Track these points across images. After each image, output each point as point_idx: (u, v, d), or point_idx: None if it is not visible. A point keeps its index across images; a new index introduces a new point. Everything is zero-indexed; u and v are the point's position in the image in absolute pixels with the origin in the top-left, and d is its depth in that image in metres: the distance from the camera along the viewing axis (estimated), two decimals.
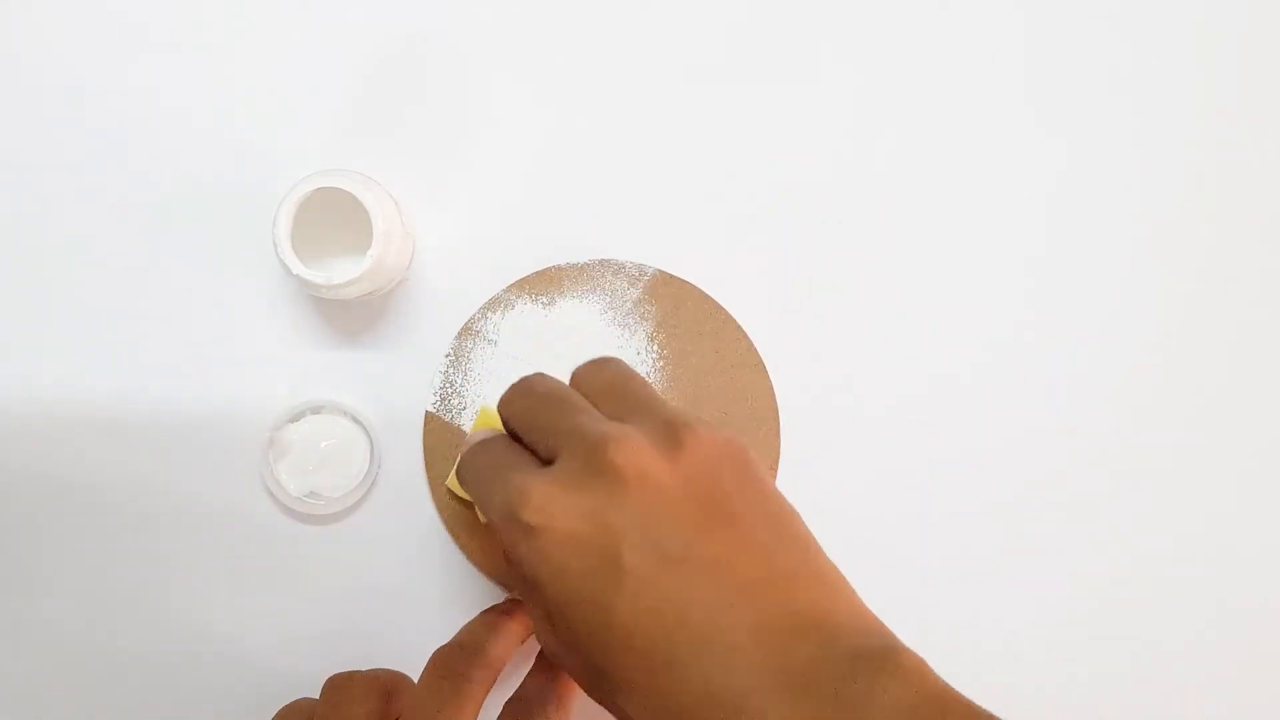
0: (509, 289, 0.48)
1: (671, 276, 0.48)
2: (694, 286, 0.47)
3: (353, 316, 0.48)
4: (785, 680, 0.31)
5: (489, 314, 0.48)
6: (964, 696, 0.31)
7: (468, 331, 0.48)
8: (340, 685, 0.40)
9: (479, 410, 0.45)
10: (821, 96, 0.49)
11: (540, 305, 0.48)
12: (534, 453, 0.36)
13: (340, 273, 0.42)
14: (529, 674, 0.43)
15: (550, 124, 0.49)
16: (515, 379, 0.38)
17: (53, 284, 0.48)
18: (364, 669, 0.41)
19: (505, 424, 0.38)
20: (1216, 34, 0.49)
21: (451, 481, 0.46)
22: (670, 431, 0.34)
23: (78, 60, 0.48)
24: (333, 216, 0.43)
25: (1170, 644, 0.47)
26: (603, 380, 0.38)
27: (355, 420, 0.47)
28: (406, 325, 0.48)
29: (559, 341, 0.47)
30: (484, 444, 0.38)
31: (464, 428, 0.47)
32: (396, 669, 0.41)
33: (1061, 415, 0.48)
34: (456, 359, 0.47)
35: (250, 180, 0.48)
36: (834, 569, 0.35)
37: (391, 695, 0.40)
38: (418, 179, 0.48)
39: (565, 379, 0.37)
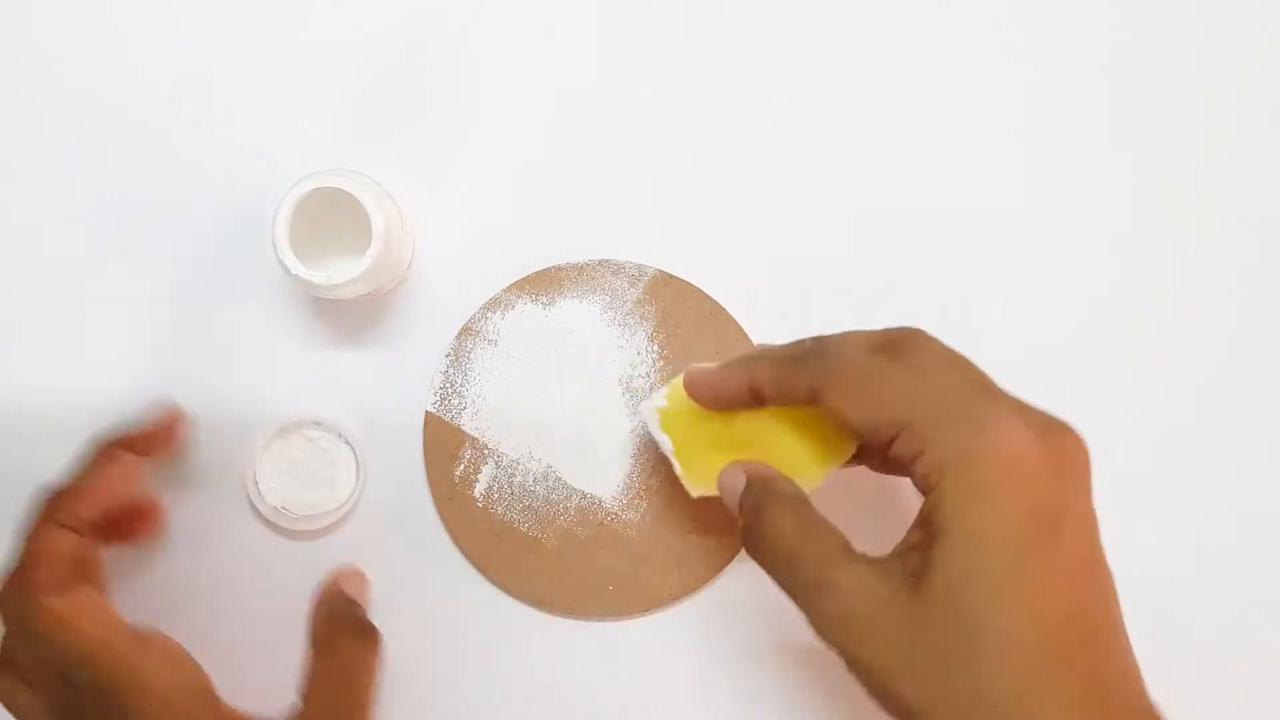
0: (509, 289, 0.48)
1: (671, 276, 0.48)
2: (694, 286, 0.47)
3: (352, 316, 0.48)
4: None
5: (489, 314, 0.48)
6: None
7: (468, 331, 0.48)
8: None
9: (669, 385, 0.42)
10: (822, 96, 0.49)
11: (540, 305, 0.48)
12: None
13: (340, 273, 0.42)
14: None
15: (550, 124, 0.49)
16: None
17: (51, 283, 0.48)
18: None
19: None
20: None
21: (663, 419, 0.42)
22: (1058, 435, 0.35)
23: (77, 60, 0.48)
24: (333, 216, 0.43)
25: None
26: (938, 357, 0.37)
27: (345, 440, 0.47)
28: (406, 325, 0.48)
29: (559, 341, 0.47)
30: (795, 511, 0.37)
31: (464, 428, 0.47)
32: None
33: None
34: (456, 359, 0.47)
35: (250, 180, 0.48)
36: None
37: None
38: (418, 179, 0.48)
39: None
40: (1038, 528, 0.32)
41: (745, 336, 0.47)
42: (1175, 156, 0.49)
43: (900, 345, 0.36)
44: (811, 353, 0.37)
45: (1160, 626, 0.47)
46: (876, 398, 0.35)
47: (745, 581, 0.47)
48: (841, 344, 0.37)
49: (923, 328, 0.37)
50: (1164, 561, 0.47)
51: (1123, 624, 0.34)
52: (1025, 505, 0.32)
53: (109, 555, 0.43)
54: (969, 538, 0.32)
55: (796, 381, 0.37)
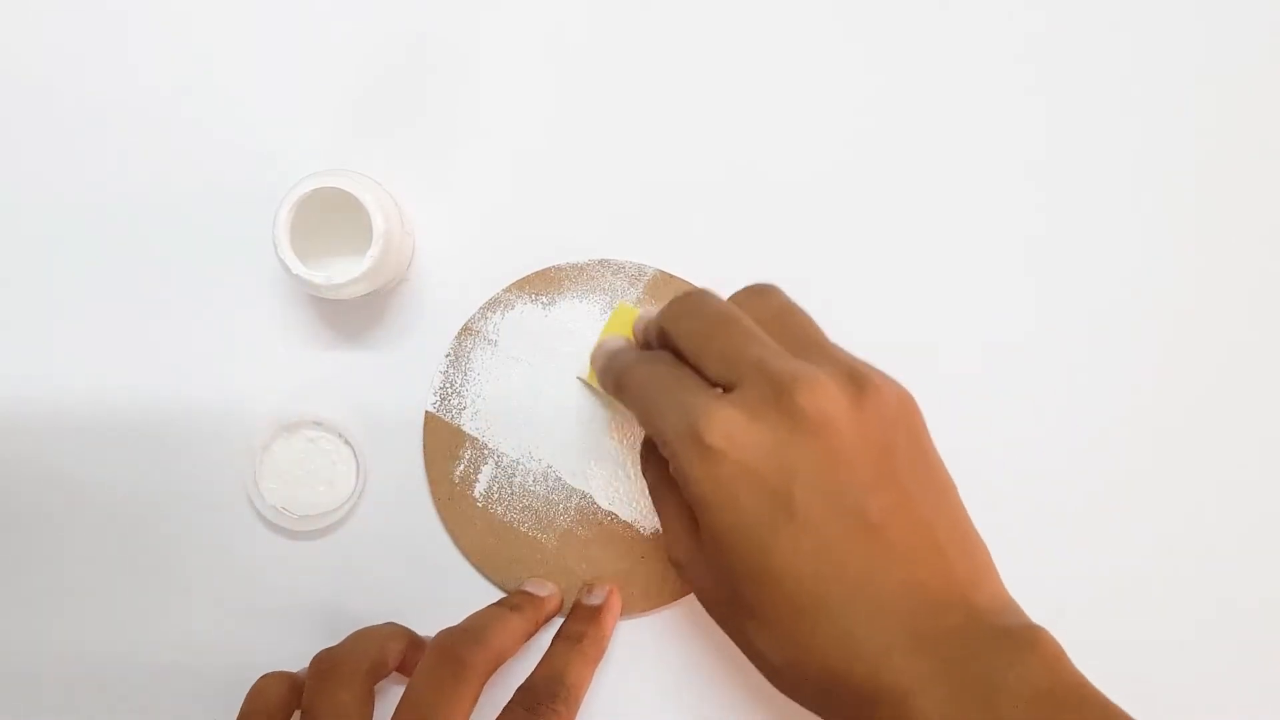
0: (509, 289, 0.48)
1: (671, 276, 0.48)
2: (694, 286, 0.47)
3: (352, 316, 0.48)
4: (928, 645, 0.32)
5: (489, 314, 0.48)
6: (1098, 690, 0.31)
7: (468, 331, 0.48)
8: (327, 667, 0.40)
9: (616, 306, 0.44)
10: (822, 95, 0.49)
11: (540, 305, 0.48)
12: (702, 375, 0.36)
13: (340, 273, 0.42)
14: (539, 665, 0.43)
15: (550, 124, 0.49)
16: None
17: (49, 282, 0.48)
18: (353, 632, 0.42)
19: (668, 339, 0.37)
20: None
21: (589, 378, 0.44)
22: (856, 381, 0.34)
23: (77, 60, 0.48)
24: (333, 216, 0.43)
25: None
26: (770, 310, 0.37)
27: (345, 440, 0.47)
28: (406, 325, 0.48)
29: (559, 341, 0.47)
30: (651, 358, 0.38)
31: (464, 428, 0.47)
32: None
33: (1066, 415, 0.48)
34: (456, 359, 0.47)
35: (250, 180, 0.48)
36: (984, 547, 0.35)
37: (381, 665, 0.41)
38: (418, 179, 0.48)
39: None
40: (766, 507, 0.33)
41: None
42: (1175, 156, 0.49)
43: (744, 298, 0.38)
44: (673, 307, 0.38)
45: (1161, 624, 0.48)
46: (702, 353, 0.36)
47: None
48: (701, 296, 0.38)
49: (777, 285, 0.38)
50: (1163, 560, 0.47)
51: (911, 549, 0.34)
52: (746, 486, 0.33)
53: None
54: (707, 525, 0.34)
55: (665, 336, 0.38)
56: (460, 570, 0.47)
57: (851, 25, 0.49)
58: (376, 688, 0.41)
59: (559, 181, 0.48)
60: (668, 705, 0.47)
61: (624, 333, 0.43)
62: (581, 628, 0.45)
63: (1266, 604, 0.48)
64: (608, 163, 0.49)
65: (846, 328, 0.38)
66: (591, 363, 0.42)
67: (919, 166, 0.48)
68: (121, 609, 0.47)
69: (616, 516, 0.47)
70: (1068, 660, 0.32)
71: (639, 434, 0.47)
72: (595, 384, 0.44)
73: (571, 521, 0.47)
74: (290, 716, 0.41)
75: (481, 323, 0.48)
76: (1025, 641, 0.32)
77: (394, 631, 0.43)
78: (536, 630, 0.45)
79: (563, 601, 0.46)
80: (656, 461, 0.39)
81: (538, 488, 0.47)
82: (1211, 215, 0.49)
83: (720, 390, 0.35)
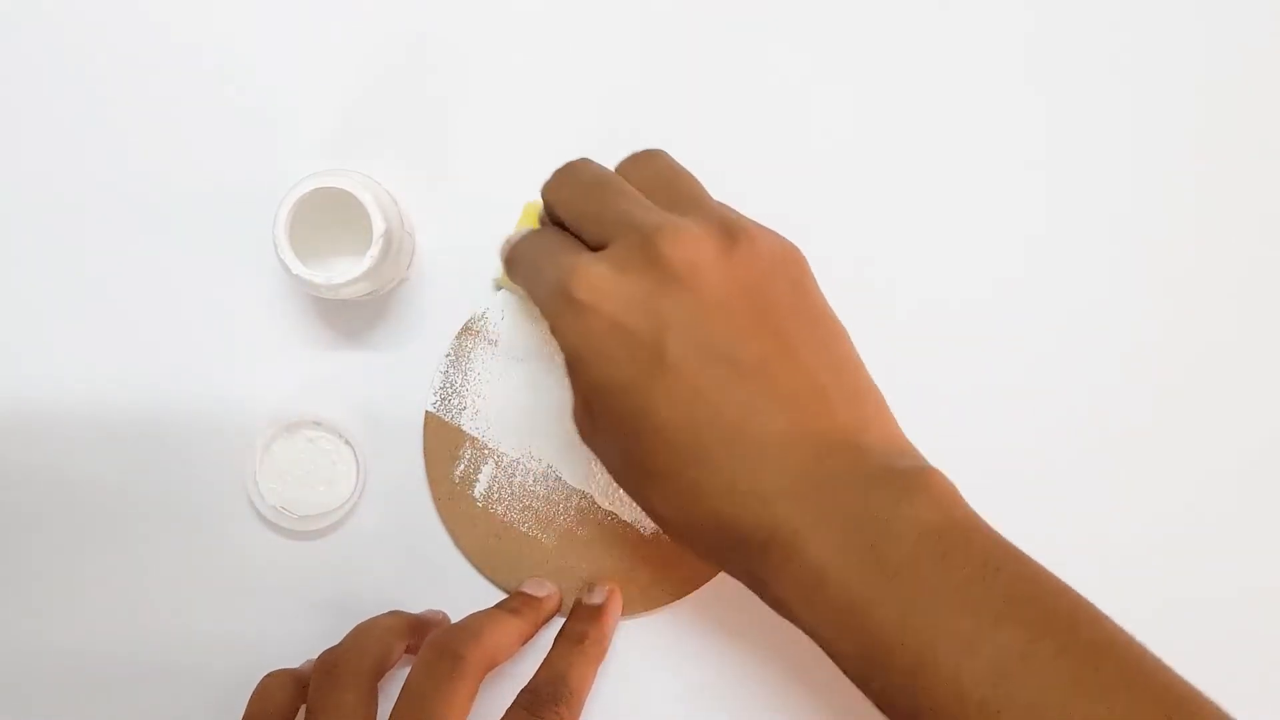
0: (509, 289, 0.48)
1: None
2: None
3: (352, 316, 0.48)
4: (813, 488, 0.32)
5: (489, 314, 0.48)
6: (990, 527, 0.31)
7: (468, 331, 0.48)
8: (330, 668, 0.40)
9: (524, 205, 0.44)
10: (822, 94, 0.49)
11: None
12: (583, 241, 0.36)
13: (340, 273, 0.42)
14: (541, 667, 0.43)
15: (550, 124, 0.49)
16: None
17: (49, 282, 0.48)
18: (353, 628, 0.42)
19: (550, 211, 0.38)
20: None
21: (501, 277, 0.44)
22: (728, 231, 0.34)
23: (76, 60, 0.48)
24: (333, 216, 0.43)
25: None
26: (651, 171, 0.38)
27: (345, 440, 0.47)
28: (406, 325, 0.48)
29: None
30: (535, 232, 0.38)
31: (464, 428, 0.47)
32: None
33: (1065, 417, 0.48)
34: (456, 359, 0.47)
35: (250, 180, 0.48)
36: (875, 390, 0.35)
37: (383, 663, 0.41)
38: (418, 179, 0.48)
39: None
40: (637, 359, 0.33)
41: None
42: (1174, 155, 0.49)
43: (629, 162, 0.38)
44: (553, 178, 0.39)
45: (1162, 620, 0.48)
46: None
47: None
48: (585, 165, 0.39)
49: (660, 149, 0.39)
50: (1160, 558, 0.47)
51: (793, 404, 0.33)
52: (616, 339, 0.33)
53: None
54: (584, 381, 0.35)
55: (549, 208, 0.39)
56: (460, 570, 0.47)
57: (851, 23, 0.49)
58: (380, 683, 0.41)
59: None
60: (668, 705, 0.47)
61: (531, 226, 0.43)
62: (583, 627, 0.45)
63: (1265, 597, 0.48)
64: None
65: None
66: (499, 255, 0.42)
67: (919, 169, 0.48)
68: (121, 609, 0.47)
69: (616, 516, 0.47)
70: (960, 499, 0.32)
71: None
72: (505, 285, 0.45)
73: (571, 521, 0.47)
74: (295, 715, 0.41)
75: (481, 323, 0.48)
76: (913, 483, 0.32)
77: (396, 625, 0.43)
78: (535, 632, 0.45)
79: (562, 601, 0.46)
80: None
81: (538, 488, 0.47)
82: (1210, 219, 0.49)
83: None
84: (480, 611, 0.44)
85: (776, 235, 0.35)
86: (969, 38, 0.49)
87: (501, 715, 0.41)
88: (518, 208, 0.45)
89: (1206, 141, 0.49)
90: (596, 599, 0.45)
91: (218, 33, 0.48)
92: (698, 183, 0.37)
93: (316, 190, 0.41)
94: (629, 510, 0.47)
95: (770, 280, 0.34)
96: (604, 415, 0.34)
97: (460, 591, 0.47)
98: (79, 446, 0.48)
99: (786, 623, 0.35)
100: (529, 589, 0.46)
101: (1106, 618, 0.31)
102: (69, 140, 0.48)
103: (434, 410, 0.47)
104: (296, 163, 0.47)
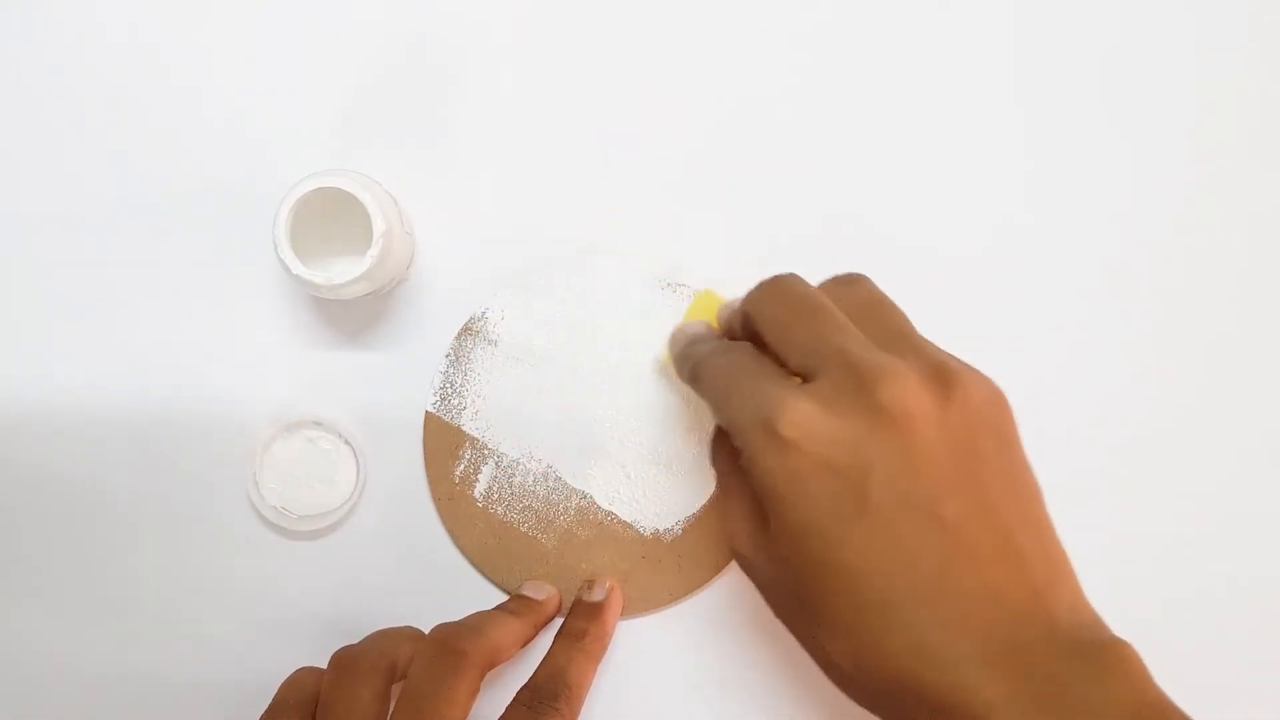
0: (509, 288, 0.48)
1: (678, 285, 0.48)
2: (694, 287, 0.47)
3: (352, 316, 0.48)
4: (1006, 657, 0.31)
5: (489, 314, 0.48)
6: (1180, 708, 0.30)
7: (468, 331, 0.48)
8: (346, 664, 0.40)
9: (697, 293, 0.42)
10: (822, 93, 0.49)
11: (541, 305, 0.47)
12: (782, 362, 0.35)
13: (340, 273, 0.42)
14: (541, 664, 0.43)
15: (550, 124, 0.49)
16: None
17: (50, 283, 0.48)
18: (372, 632, 0.42)
19: (750, 324, 0.37)
20: None
21: (665, 362, 0.43)
22: (942, 377, 0.33)
23: (77, 60, 0.48)
24: (333, 216, 0.43)
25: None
26: (858, 299, 0.36)
27: (345, 440, 0.47)
28: (406, 325, 0.48)
29: (559, 341, 0.47)
30: (733, 349, 0.37)
31: (464, 428, 0.47)
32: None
33: (1064, 418, 0.48)
34: (456, 359, 0.47)
35: (250, 180, 0.48)
36: (1064, 556, 0.34)
37: (398, 665, 0.41)
38: (418, 179, 0.48)
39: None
40: (838, 502, 0.32)
41: None
42: (1171, 155, 0.49)
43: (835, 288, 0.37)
44: (759, 291, 0.38)
45: (1163, 619, 0.48)
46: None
47: (745, 582, 0.46)
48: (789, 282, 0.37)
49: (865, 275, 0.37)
50: (1163, 557, 0.47)
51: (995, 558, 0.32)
52: (818, 480, 0.32)
53: None
54: (776, 518, 0.33)
55: (748, 321, 0.37)
56: (460, 570, 0.47)
57: (851, 21, 0.49)
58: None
59: (559, 181, 0.48)
60: (667, 706, 0.47)
61: (704, 318, 0.42)
62: (583, 625, 0.45)
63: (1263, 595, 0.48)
64: (608, 162, 0.48)
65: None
66: (669, 347, 0.41)
67: (920, 170, 0.48)
68: (121, 608, 0.47)
69: (616, 516, 0.47)
70: (1151, 678, 0.31)
71: (691, 434, 0.47)
72: (670, 371, 0.43)
73: (571, 521, 0.47)
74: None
75: (481, 323, 0.48)
76: (1108, 659, 0.31)
77: (413, 634, 0.42)
78: (535, 634, 0.45)
79: (561, 603, 0.46)
80: (727, 452, 0.38)
81: (538, 488, 0.47)
82: (1206, 218, 0.49)
83: (800, 381, 0.34)
84: (481, 611, 0.44)
85: (988, 382, 0.34)
86: (967, 38, 0.49)
87: (501, 714, 0.41)
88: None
89: (1206, 141, 0.49)
90: (597, 596, 0.45)
91: (218, 33, 0.48)
92: (904, 315, 0.36)
93: (316, 190, 0.41)
94: (629, 510, 0.47)
95: (980, 434, 0.33)
96: (790, 550, 0.33)
97: (460, 591, 0.47)
98: (79, 446, 0.48)
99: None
100: (529, 592, 0.46)
101: None
102: (69, 141, 0.48)
103: (434, 410, 0.47)
104: (296, 163, 0.47)
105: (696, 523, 0.46)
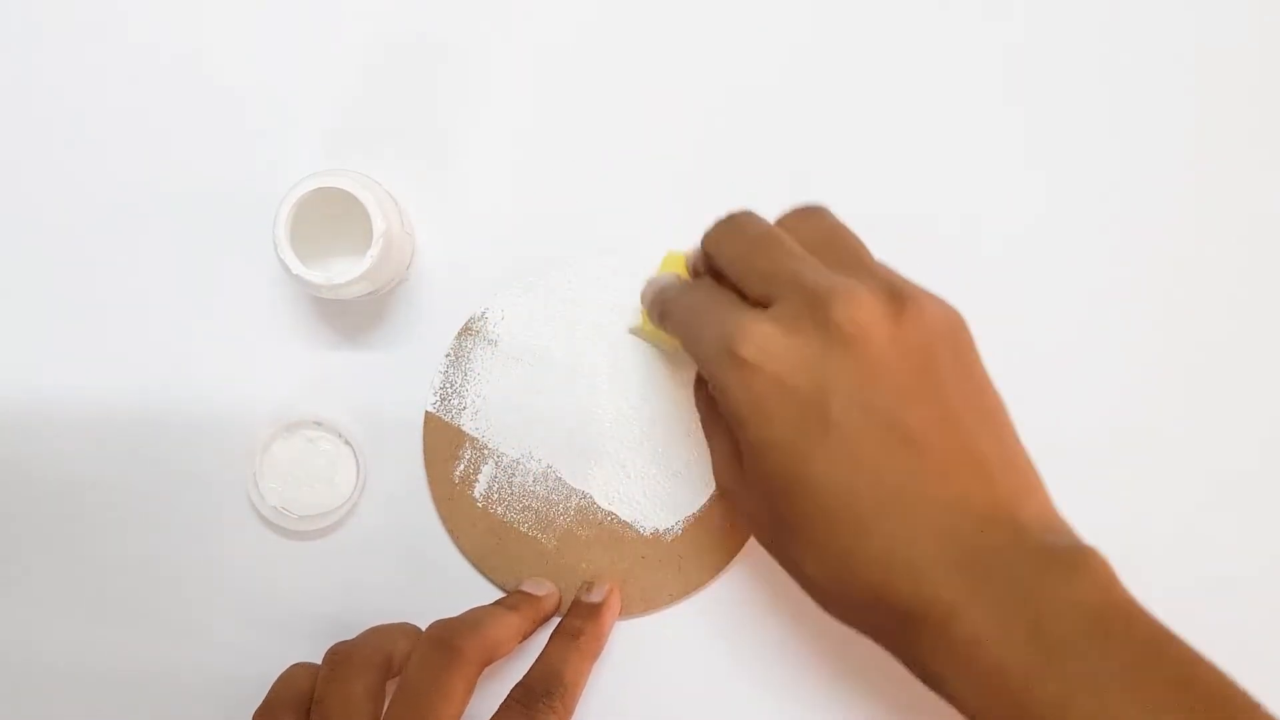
0: (508, 288, 0.48)
1: None
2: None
3: (352, 316, 0.48)
4: (972, 561, 0.32)
5: (489, 314, 0.48)
6: (1148, 611, 0.31)
7: (468, 331, 0.48)
8: (340, 659, 0.40)
9: (666, 253, 0.43)
10: (822, 94, 0.49)
11: (541, 305, 0.47)
12: (743, 296, 0.36)
13: (340, 273, 0.42)
14: (536, 662, 0.43)
15: (550, 123, 0.49)
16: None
17: (49, 282, 0.48)
18: (367, 628, 0.42)
19: (711, 261, 0.38)
20: None
21: (642, 325, 0.44)
22: (896, 295, 0.34)
23: (77, 60, 0.48)
24: (333, 216, 0.43)
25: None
26: (814, 228, 0.37)
27: (345, 440, 0.47)
28: (406, 325, 0.48)
29: (559, 341, 0.47)
30: (694, 284, 0.38)
31: (463, 428, 0.47)
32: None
33: (1063, 417, 0.48)
34: (456, 359, 0.47)
35: (250, 180, 0.48)
36: (1030, 464, 0.35)
37: (393, 661, 0.41)
38: (418, 179, 0.48)
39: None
40: (801, 420, 0.33)
41: None
42: (1171, 155, 0.49)
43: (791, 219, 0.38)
44: (716, 230, 0.39)
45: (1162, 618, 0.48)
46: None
47: (745, 581, 0.47)
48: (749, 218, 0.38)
49: (824, 205, 0.38)
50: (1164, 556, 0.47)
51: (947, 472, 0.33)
52: (780, 399, 0.33)
53: None
54: (745, 440, 0.34)
55: (708, 259, 0.38)
56: (460, 570, 0.47)
57: (852, 20, 0.49)
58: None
59: (559, 181, 0.48)
60: (665, 706, 0.47)
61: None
62: (580, 624, 0.45)
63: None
64: (608, 162, 0.49)
65: None
66: (641, 300, 0.42)
67: (919, 165, 0.48)
68: (121, 608, 0.47)
69: (616, 516, 0.47)
70: (1117, 581, 0.31)
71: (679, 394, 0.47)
72: (643, 333, 0.44)
73: (571, 521, 0.47)
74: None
75: (481, 323, 0.48)
76: (1073, 561, 0.31)
77: (408, 630, 0.43)
78: (534, 629, 0.45)
79: (561, 601, 0.46)
80: (706, 393, 0.39)
81: (538, 488, 0.47)
82: (1206, 217, 0.49)
83: (760, 309, 0.35)
84: (479, 606, 0.44)
85: (942, 302, 0.35)
86: (967, 39, 0.49)
87: (495, 711, 0.41)
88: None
89: (1205, 142, 0.49)
90: (595, 597, 0.45)
91: (218, 33, 0.48)
92: (860, 242, 0.37)
93: (316, 190, 0.41)
94: (629, 510, 0.47)
95: (936, 348, 0.34)
96: (759, 473, 0.34)
97: (460, 591, 0.47)
98: (79, 446, 0.48)
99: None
100: (528, 588, 0.46)
101: (1261, 705, 0.31)
102: (69, 141, 0.48)
103: (434, 410, 0.47)
104: (296, 163, 0.47)
105: (696, 523, 0.47)
